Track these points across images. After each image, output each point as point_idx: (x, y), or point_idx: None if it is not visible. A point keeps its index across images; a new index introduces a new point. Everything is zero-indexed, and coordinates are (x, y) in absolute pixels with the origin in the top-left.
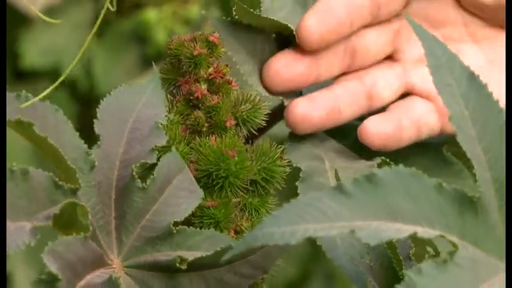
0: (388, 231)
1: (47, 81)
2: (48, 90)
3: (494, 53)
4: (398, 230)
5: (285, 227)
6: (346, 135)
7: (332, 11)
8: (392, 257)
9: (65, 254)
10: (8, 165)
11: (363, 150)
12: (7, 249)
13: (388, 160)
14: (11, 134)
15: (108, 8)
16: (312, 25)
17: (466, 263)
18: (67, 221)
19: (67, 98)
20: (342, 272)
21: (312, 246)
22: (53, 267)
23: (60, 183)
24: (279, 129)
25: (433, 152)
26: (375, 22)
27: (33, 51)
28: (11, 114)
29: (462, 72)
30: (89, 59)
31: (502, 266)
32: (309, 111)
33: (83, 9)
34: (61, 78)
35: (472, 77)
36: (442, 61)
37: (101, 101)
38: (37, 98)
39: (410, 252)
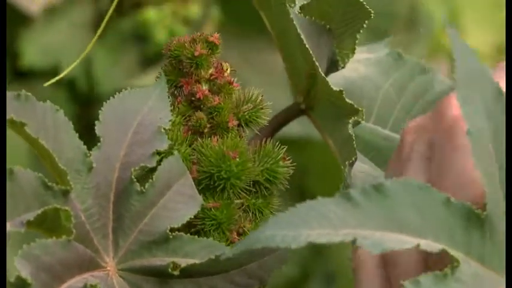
0: (391, 242)
1: (46, 81)
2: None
3: None
4: (402, 241)
5: (288, 230)
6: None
7: None
8: None
9: (42, 257)
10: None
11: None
12: None
13: None
14: (10, 133)
15: (107, 7)
16: None
17: (468, 279)
18: (51, 225)
19: (66, 97)
20: (342, 271)
21: (312, 246)
22: (23, 272)
23: (50, 184)
24: (290, 129)
25: None
26: None
27: (32, 50)
28: (9, 114)
29: (490, 88)
30: (89, 58)
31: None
32: None
33: (83, 9)
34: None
35: (500, 95)
36: (472, 74)
37: (104, 103)
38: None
39: None
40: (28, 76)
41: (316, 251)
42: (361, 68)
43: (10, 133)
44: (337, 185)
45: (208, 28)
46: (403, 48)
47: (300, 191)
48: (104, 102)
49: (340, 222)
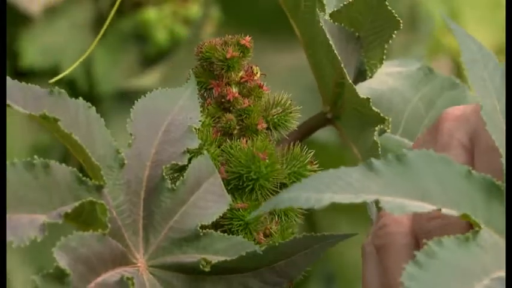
0: (412, 207)
1: (46, 81)
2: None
3: None
4: (423, 207)
5: (311, 192)
6: None
7: None
8: None
9: (79, 249)
10: (16, 160)
11: None
12: (15, 242)
13: None
14: (11, 130)
15: (107, 7)
16: None
17: (489, 246)
18: (87, 218)
19: None
20: (342, 272)
21: None
22: (62, 262)
23: (84, 179)
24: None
25: None
26: None
27: (32, 50)
28: (43, 109)
29: (496, 68)
30: (89, 58)
31: None
32: None
33: (83, 9)
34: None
35: (505, 74)
36: (478, 56)
37: (135, 102)
38: None
39: None
40: (28, 76)
41: None
42: (390, 81)
43: (12, 132)
44: None
45: (208, 28)
46: (403, 48)
47: None
48: (135, 101)
49: (362, 188)
